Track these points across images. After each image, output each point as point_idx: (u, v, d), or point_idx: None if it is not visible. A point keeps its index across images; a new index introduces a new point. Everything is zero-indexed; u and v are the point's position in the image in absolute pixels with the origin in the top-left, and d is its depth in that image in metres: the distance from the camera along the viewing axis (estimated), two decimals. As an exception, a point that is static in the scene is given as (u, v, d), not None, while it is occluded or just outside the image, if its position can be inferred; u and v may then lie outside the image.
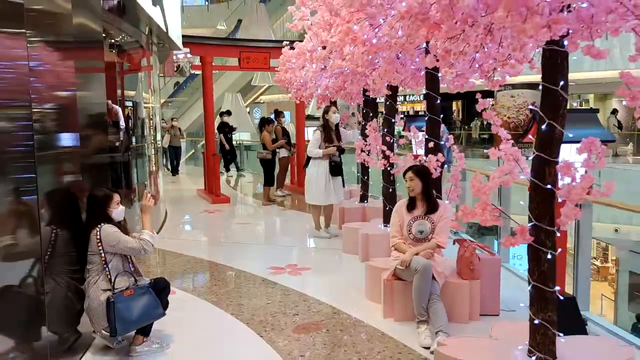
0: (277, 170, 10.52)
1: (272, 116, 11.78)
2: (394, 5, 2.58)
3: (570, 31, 2.24)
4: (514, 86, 18.78)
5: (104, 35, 5.13)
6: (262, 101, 25.30)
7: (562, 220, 2.69)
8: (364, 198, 7.47)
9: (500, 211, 2.81)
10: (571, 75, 2.64)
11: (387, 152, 5.65)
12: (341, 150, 7.08)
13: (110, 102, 5.42)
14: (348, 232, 6.28)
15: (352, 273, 5.41)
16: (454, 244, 4.35)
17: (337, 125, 7.09)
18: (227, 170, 14.72)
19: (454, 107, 27.89)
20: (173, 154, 15.36)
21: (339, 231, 6.93)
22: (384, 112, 5.90)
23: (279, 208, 9.58)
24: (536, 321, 2.76)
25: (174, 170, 15.36)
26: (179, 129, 15.57)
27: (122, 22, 6.19)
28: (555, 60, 2.59)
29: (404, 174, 4.22)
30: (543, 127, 2.66)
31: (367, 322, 4.17)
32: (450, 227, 4.27)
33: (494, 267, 4.25)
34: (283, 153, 10.44)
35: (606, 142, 3.72)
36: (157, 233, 7.04)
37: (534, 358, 2.76)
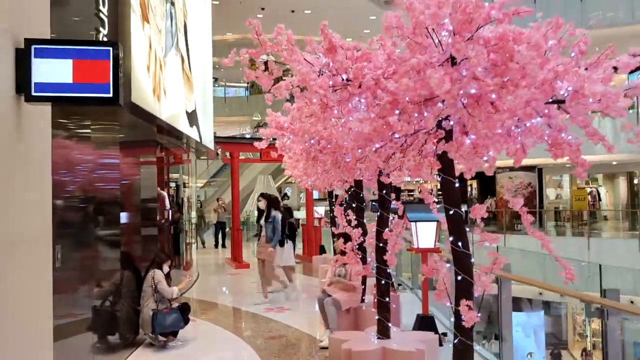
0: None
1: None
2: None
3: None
4: (512, 169, 20.79)
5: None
6: (292, 181, 28.18)
7: (388, 263, 5.11)
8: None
9: (364, 257, 5.26)
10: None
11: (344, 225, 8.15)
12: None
13: (159, 188, 8.16)
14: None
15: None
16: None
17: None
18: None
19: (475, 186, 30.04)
20: (219, 229, 17.72)
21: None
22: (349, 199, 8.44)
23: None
24: (377, 317, 5.12)
25: (222, 244, 17.51)
26: (224, 207, 17.83)
27: (167, 137, 9.01)
28: (379, 179, 5.09)
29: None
30: (378, 213, 5.15)
31: (310, 334, 6.59)
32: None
33: (396, 299, 6.58)
34: None
35: (433, 220, 6.15)
36: (190, 288, 9.64)
37: (377, 337, 5.10)
